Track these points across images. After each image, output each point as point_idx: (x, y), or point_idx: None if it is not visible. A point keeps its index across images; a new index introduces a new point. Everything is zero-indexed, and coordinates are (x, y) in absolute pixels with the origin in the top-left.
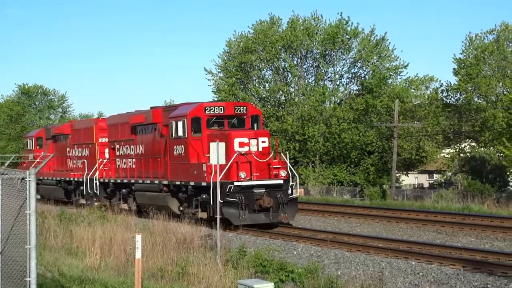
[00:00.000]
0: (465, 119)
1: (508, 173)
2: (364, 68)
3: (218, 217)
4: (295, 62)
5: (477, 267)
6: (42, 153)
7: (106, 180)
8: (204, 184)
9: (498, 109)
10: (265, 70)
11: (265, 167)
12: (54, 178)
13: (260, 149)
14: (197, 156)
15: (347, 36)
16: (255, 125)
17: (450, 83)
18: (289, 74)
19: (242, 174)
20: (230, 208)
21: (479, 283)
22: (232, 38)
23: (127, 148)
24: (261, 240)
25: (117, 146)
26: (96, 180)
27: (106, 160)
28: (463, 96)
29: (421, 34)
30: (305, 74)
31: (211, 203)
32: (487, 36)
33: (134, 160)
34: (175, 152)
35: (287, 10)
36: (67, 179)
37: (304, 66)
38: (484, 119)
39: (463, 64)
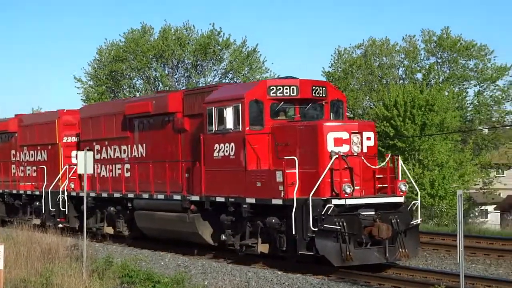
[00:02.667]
0: None
1: None
2: (235, 79)
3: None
4: (166, 71)
5: (341, 276)
6: None
7: (81, 194)
8: (277, 202)
9: None
10: (136, 79)
11: (370, 177)
12: None
13: (365, 150)
14: (257, 160)
15: (219, 47)
16: (331, 115)
17: None
18: (160, 83)
19: (348, 188)
20: (327, 240)
21: None
22: (103, 46)
23: (115, 149)
24: (128, 250)
25: (97, 146)
26: (63, 194)
27: (75, 166)
28: None
29: (292, 46)
30: (176, 84)
31: (293, 232)
32: (355, 51)
33: (129, 165)
34: (215, 154)
35: (159, 19)
36: (14, 191)
37: (176, 76)
38: None
39: (331, 78)
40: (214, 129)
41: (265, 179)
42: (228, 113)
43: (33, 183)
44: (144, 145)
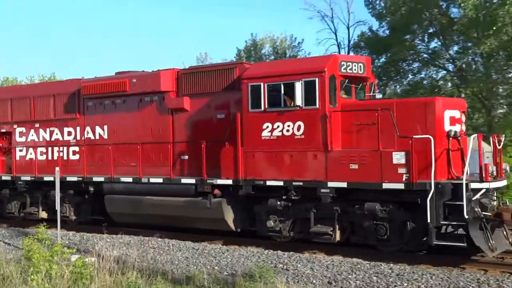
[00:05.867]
0: None
1: None
2: None
3: None
4: None
5: None
6: None
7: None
8: (392, 186)
9: None
10: None
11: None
12: None
13: (464, 129)
14: (332, 141)
15: None
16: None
17: None
18: None
19: (494, 170)
20: (476, 228)
21: None
22: None
23: (53, 131)
24: None
25: (21, 129)
26: None
27: None
28: None
29: None
30: None
31: (428, 220)
32: None
33: (77, 148)
34: (265, 134)
35: None
36: None
37: None
38: None
39: None
40: (263, 107)
41: (367, 160)
42: (298, 88)
43: None
44: (105, 126)
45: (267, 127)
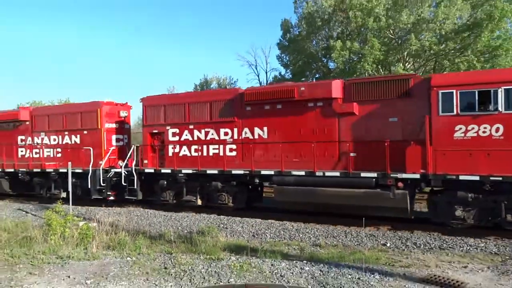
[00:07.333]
0: None
1: None
2: None
3: None
4: None
5: None
6: None
7: (172, 171)
8: None
9: None
10: None
11: None
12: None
13: None
14: None
15: None
16: None
17: None
18: None
19: None
20: None
21: None
22: None
23: (208, 132)
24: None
25: (174, 130)
26: (125, 172)
27: (112, 148)
28: None
29: None
30: None
31: None
32: None
33: (234, 146)
34: (457, 135)
35: None
36: (37, 170)
37: None
38: None
39: None
40: (455, 111)
41: None
42: (499, 95)
43: (57, 163)
44: (265, 128)
45: (460, 128)
